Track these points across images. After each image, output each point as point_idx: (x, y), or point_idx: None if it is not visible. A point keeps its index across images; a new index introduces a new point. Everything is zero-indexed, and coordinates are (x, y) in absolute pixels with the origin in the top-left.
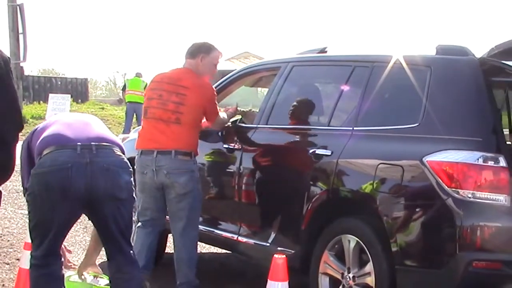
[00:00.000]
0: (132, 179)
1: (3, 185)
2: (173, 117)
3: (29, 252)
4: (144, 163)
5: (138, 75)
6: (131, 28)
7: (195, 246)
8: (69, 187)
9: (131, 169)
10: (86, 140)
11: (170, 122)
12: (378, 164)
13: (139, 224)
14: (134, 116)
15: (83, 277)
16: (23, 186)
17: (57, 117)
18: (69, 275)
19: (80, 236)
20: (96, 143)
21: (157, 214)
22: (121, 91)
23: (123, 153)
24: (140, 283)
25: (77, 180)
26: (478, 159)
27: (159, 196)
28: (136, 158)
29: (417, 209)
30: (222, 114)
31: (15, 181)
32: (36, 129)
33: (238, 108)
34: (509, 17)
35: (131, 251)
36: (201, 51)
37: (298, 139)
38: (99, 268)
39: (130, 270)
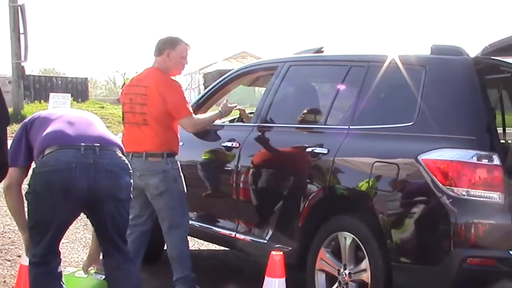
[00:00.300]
0: (131, 180)
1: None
2: (141, 119)
3: None
4: None
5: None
6: (130, 28)
7: (184, 243)
8: (72, 187)
9: (131, 171)
10: (89, 140)
11: (140, 124)
12: (374, 162)
13: None
14: None
15: (88, 273)
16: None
17: (60, 111)
18: (73, 271)
19: (80, 233)
20: (99, 144)
21: (138, 216)
22: (121, 90)
23: (124, 154)
24: (138, 280)
25: (80, 180)
26: (472, 157)
27: (140, 196)
28: None
29: (412, 207)
30: (202, 116)
31: None
32: (39, 116)
33: (239, 107)
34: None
35: (127, 249)
36: (166, 47)
37: (295, 138)
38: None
39: (127, 267)
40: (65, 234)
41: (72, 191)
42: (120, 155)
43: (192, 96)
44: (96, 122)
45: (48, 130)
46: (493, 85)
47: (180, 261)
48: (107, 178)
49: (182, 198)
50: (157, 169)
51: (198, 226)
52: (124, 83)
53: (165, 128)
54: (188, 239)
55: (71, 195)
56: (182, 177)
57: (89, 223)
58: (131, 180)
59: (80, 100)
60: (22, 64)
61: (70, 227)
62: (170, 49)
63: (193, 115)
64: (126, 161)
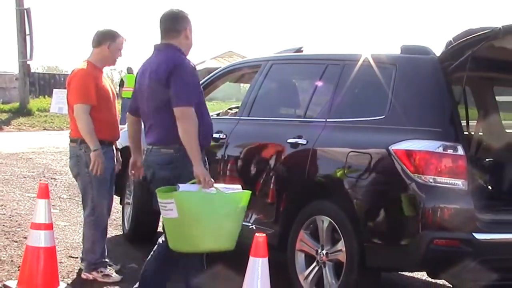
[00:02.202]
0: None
1: (11, 171)
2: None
3: (35, 231)
4: None
5: (130, 70)
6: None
7: (88, 227)
8: None
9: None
10: None
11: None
12: (349, 152)
13: None
14: None
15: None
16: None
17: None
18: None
19: (81, 217)
20: None
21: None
22: (118, 87)
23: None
24: None
25: None
26: (438, 148)
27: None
28: None
29: (384, 193)
30: (86, 120)
31: (23, 167)
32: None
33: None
34: (464, 15)
35: None
36: (107, 38)
37: (277, 130)
38: None
39: None
40: (67, 218)
41: None
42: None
43: None
44: None
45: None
46: (457, 81)
47: (84, 242)
48: None
49: (90, 183)
50: (73, 153)
51: None
52: (122, 80)
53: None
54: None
55: None
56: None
57: None
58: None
59: None
60: (28, 62)
61: (71, 211)
62: (111, 41)
63: (84, 104)
64: None
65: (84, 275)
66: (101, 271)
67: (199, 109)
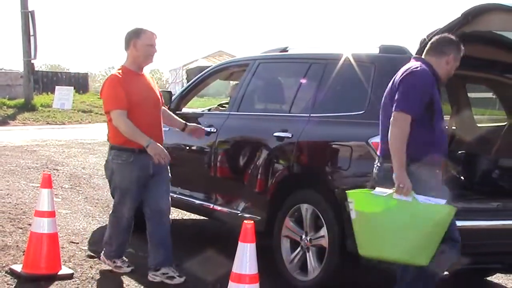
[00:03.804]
0: None
1: (17, 162)
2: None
3: (38, 218)
4: None
5: None
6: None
7: (110, 224)
8: None
9: None
10: None
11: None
12: (331, 145)
13: None
14: None
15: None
16: None
17: None
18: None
19: (81, 205)
20: None
21: None
22: None
23: None
24: None
25: None
26: None
27: None
28: None
29: (363, 182)
30: (129, 123)
31: (27, 159)
32: None
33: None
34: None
35: None
36: (131, 37)
37: (264, 124)
38: None
39: None
40: (68, 206)
41: None
42: None
43: (176, 89)
44: None
45: None
46: None
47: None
48: None
49: (116, 189)
50: (107, 157)
51: (181, 199)
52: None
53: (110, 122)
54: (173, 209)
55: None
56: (122, 170)
57: (89, 196)
58: None
59: (81, 92)
60: (32, 61)
61: (73, 199)
62: (135, 38)
63: (118, 110)
64: None
65: (101, 258)
66: (114, 262)
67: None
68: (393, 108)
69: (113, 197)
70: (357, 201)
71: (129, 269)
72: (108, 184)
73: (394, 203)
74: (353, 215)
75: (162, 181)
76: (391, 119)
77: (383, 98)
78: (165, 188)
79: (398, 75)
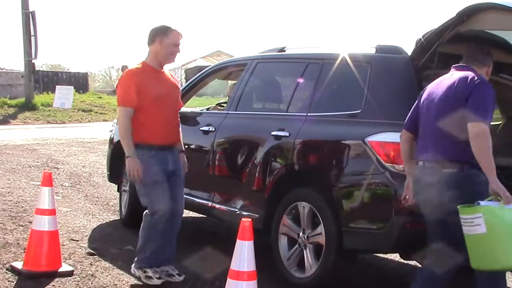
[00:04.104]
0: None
1: (18, 161)
2: None
3: (39, 216)
4: None
5: (124, 68)
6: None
7: (144, 226)
8: None
9: None
10: None
11: None
12: (328, 144)
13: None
14: None
15: None
16: None
17: None
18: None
19: (81, 203)
20: None
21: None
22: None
23: None
24: None
25: None
26: None
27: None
28: None
29: (359, 180)
30: (125, 125)
31: (28, 157)
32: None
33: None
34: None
35: None
36: (158, 34)
37: (261, 123)
38: None
39: None
40: (68, 204)
41: None
42: None
43: None
44: None
45: None
46: (427, 78)
47: (139, 239)
48: None
49: (141, 186)
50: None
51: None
52: None
53: (136, 121)
54: None
55: None
56: (147, 164)
57: (89, 194)
58: None
59: (81, 91)
60: (33, 61)
61: (73, 197)
62: (162, 36)
63: (123, 107)
64: None
65: (132, 270)
66: (145, 272)
67: None
68: (471, 118)
69: (144, 205)
70: (488, 214)
71: (159, 282)
72: (107, 181)
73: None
74: (482, 230)
75: (180, 184)
76: (473, 130)
77: (430, 103)
78: (181, 191)
79: (459, 83)
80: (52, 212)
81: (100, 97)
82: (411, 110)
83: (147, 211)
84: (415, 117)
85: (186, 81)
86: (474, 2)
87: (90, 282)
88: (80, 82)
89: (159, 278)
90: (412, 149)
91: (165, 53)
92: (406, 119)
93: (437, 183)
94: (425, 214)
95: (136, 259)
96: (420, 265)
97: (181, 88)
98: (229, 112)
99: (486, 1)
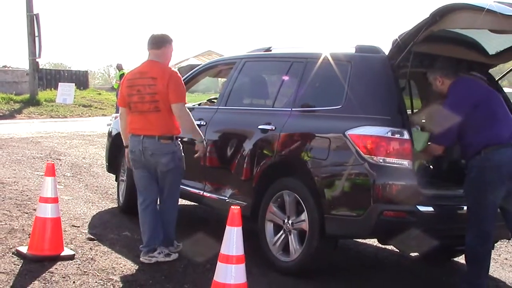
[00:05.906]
0: None
1: (23, 153)
2: (152, 107)
3: (42, 204)
4: (133, 144)
5: (119, 66)
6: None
7: (176, 210)
8: None
9: None
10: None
11: (150, 111)
12: (311, 137)
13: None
14: None
15: None
16: None
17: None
18: None
19: (82, 192)
20: None
21: (148, 190)
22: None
23: None
24: None
25: None
26: (387, 133)
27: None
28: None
29: (340, 171)
30: (191, 118)
31: (32, 149)
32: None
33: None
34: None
35: None
36: (166, 42)
37: (249, 117)
38: None
39: None
40: (70, 193)
41: None
42: None
43: None
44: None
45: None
46: (403, 76)
47: (166, 227)
48: None
49: (182, 174)
50: (168, 150)
51: None
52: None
53: (171, 114)
54: None
55: None
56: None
57: (89, 183)
58: None
59: (82, 88)
60: (37, 60)
61: (74, 187)
62: (169, 44)
63: (185, 104)
64: None
65: (162, 257)
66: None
67: None
68: None
69: (172, 191)
70: None
71: (176, 256)
72: (106, 171)
73: None
74: None
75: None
76: None
77: (481, 101)
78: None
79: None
80: (54, 200)
81: (100, 94)
82: None
83: (172, 203)
84: None
85: None
86: (448, 2)
87: (90, 265)
88: (80, 80)
89: (167, 254)
90: None
91: (168, 58)
92: None
93: None
94: None
95: (164, 244)
96: (396, 250)
97: None
98: (219, 107)
99: (458, 1)
